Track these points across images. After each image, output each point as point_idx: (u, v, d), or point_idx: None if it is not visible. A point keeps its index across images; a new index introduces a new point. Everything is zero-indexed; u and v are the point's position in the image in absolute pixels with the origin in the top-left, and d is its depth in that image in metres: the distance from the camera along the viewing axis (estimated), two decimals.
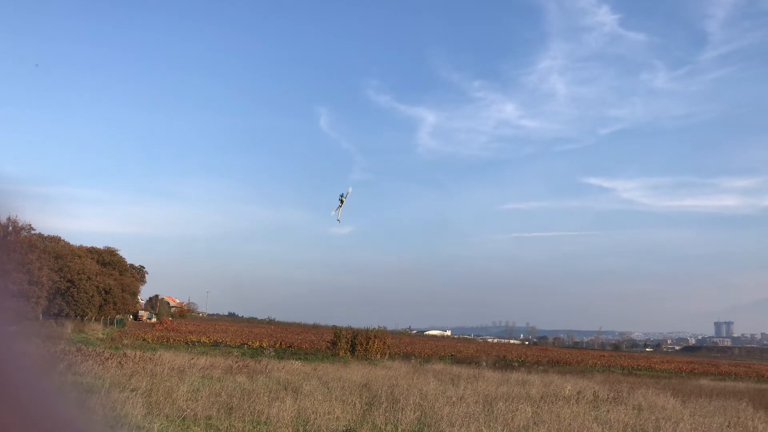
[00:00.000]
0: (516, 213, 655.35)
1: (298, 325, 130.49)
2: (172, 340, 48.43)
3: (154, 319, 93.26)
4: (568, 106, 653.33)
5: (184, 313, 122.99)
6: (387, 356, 43.86)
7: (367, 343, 43.50)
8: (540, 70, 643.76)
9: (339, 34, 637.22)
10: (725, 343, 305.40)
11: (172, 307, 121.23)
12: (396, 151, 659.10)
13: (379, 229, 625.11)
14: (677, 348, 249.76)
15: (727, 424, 17.61)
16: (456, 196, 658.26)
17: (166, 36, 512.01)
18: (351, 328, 46.91)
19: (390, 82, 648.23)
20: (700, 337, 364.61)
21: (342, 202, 35.65)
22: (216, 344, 49.84)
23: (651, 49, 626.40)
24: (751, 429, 17.17)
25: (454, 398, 19.02)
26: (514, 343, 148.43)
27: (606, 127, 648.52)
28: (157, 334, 54.18)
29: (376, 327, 49.93)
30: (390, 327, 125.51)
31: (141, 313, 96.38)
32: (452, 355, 59.74)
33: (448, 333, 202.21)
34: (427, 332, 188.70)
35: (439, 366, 38.33)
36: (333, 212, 36.02)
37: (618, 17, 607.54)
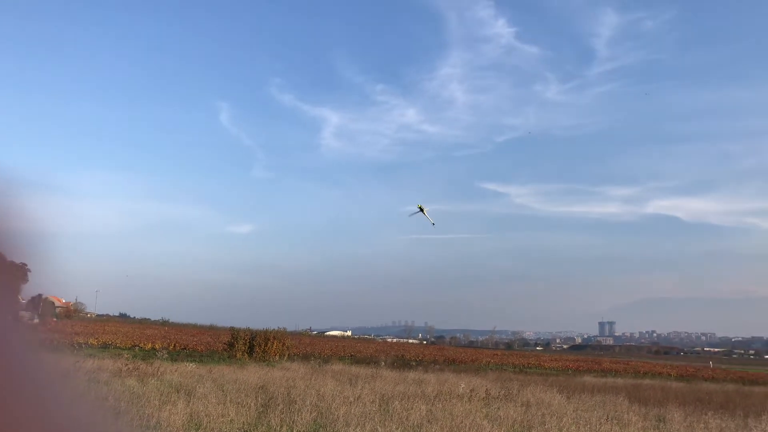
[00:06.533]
0: (416, 215, 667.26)
1: (194, 326, 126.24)
2: (56, 342, 45.58)
3: (36, 320, 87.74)
4: (466, 113, 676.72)
5: (71, 313, 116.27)
6: (286, 357, 43.41)
7: (266, 345, 42.80)
8: (441, 77, 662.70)
9: (242, 30, 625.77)
10: (608, 342, 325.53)
11: (58, 307, 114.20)
12: (299, 150, 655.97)
13: (280, 228, 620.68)
14: (565, 347, 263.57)
15: (605, 417, 18.77)
16: (358, 196, 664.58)
17: (64, 25, 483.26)
18: (249, 330, 46.03)
19: (293, 81, 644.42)
20: (585, 336, 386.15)
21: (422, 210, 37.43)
22: (105, 346, 47.44)
23: (544, 62, 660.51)
24: (626, 421, 18.39)
25: (351, 398, 19.12)
26: (412, 343, 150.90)
27: (501, 134, 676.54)
28: (40, 336, 50.84)
29: (276, 328, 49.18)
30: (290, 328, 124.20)
31: (22, 313, 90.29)
32: (352, 355, 59.94)
33: (349, 333, 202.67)
34: (327, 333, 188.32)
35: (338, 366, 38.39)
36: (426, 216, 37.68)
37: (514, 30, 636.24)
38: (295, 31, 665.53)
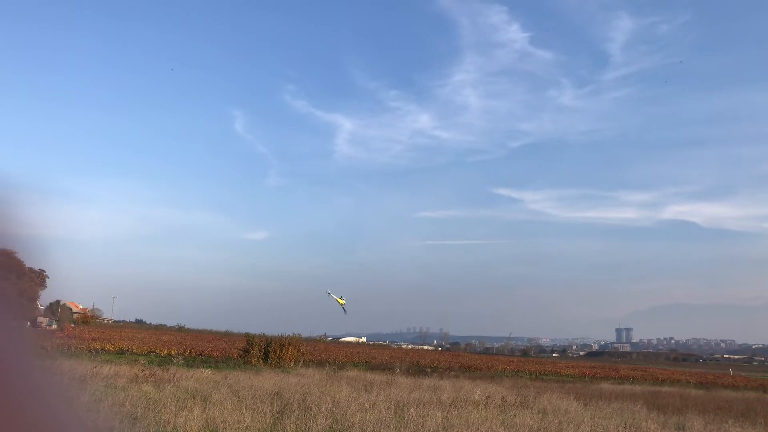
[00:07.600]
0: (430, 221, 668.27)
1: (209, 332, 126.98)
2: (73, 348, 45.99)
3: (54, 326, 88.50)
4: (480, 119, 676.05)
5: (88, 319, 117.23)
6: (301, 364, 43.40)
7: (281, 351, 42.84)
8: (454, 83, 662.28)
9: (256, 38, 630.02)
10: (625, 349, 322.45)
11: (75, 313, 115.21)
12: (313, 157, 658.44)
13: (295, 234, 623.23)
14: (582, 353, 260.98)
15: (623, 425, 18.55)
16: (372, 202, 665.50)
17: (78, 32, 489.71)
18: (264, 336, 46.13)
19: (307, 88, 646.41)
20: (602, 343, 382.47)
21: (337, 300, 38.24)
22: (121, 352, 47.78)
23: (558, 67, 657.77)
24: (645, 429, 18.17)
25: (366, 405, 19.06)
26: (427, 349, 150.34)
27: (516, 140, 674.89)
28: (58, 341, 51.34)
29: (291, 334, 49.23)
30: (305, 334, 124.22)
31: (40, 319, 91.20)
32: (367, 361, 59.87)
33: (364, 339, 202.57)
34: (342, 339, 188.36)
35: (353, 373, 38.34)
36: (339, 302, 38.67)
37: (528, 35, 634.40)
38: (308, 39, 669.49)
